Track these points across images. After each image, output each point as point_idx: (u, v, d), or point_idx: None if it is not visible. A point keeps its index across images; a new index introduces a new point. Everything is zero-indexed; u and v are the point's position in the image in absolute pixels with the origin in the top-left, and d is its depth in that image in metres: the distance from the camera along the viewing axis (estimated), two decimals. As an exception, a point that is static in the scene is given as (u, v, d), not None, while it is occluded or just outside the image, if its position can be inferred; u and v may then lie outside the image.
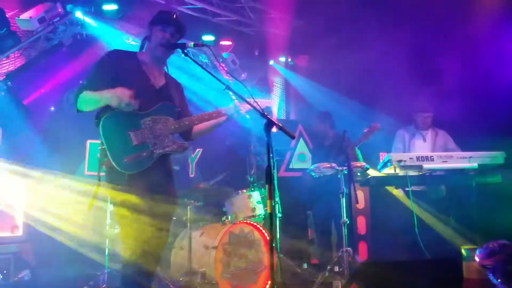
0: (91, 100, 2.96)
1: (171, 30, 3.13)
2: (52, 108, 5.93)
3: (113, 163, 2.89)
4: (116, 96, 2.87)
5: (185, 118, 3.15)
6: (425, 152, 5.19)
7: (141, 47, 3.25)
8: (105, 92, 2.92)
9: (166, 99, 3.14)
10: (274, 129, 2.73)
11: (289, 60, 8.35)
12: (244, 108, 3.20)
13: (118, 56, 3.13)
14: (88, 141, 6.02)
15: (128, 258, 2.93)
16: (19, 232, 4.63)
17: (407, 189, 4.90)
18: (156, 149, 3.01)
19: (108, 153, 2.91)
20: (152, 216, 3.00)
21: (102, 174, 3.01)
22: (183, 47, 3.08)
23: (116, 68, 3.04)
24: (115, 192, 2.95)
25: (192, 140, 3.39)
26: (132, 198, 2.94)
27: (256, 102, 3.17)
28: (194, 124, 3.17)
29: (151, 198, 2.99)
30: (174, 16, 3.17)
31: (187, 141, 3.29)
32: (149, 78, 3.12)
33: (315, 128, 5.90)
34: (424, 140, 5.56)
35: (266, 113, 2.77)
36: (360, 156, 5.18)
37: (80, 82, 3.14)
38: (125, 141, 2.94)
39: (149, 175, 2.99)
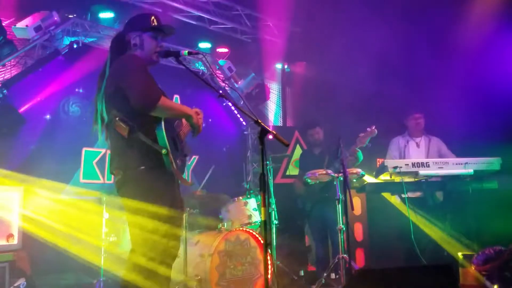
0: (172, 109, 3.01)
1: (162, 36, 3.13)
2: (48, 116, 5.92)
3: (173, 164, 2.90)
4: (195, 115, 3.02)
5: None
6: (420, 158, 5.19)
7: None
8: (186, 109, 3.04)
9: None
10: (270, 137, 2.74)
11: (286, 67, 8.38)
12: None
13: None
14: (84, 149, 6.01)
15: (137, 268, 2.83)
16: (15, 241, 4.60)
17: (403, 195, 4.90)
18: (186, 152, 3.17)
19: (171, 156, 2.89)
20: (171, 226, 2.98)
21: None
22: (177, 55, 3.10)
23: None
24: (134, 202, 2.89)
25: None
26: (157, 209, 2.89)
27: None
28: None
29: (176, 208, 3.02)
30: (160, 20, 3.14)
31: None
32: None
33: (308, 137, 5.92)
34: (418, 146, 5.56)
35: (260, 121, 2.77)
36: (360, 157, 5.20)
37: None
38: (174, 146, 3.03)
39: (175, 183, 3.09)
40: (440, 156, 5.42)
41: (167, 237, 2.87)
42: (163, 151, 2.86)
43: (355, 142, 5.05)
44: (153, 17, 3.12)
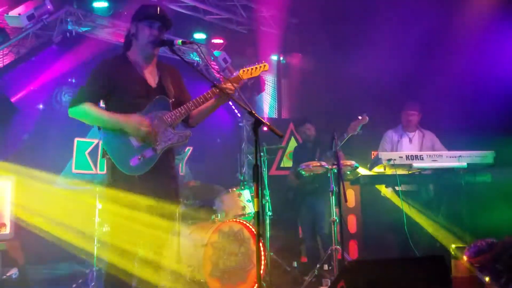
0: (95, 118, 2.99)
1: (158, 25, 3.10)
2: (41, 106, 5.89)
3: (120, 169, 2.94)
4: (132, 126, 2.96)
5: (181, 107, 3.13)
6: (413, 151, 5.19)
7: (128, 45, 3.18)
8: (115, 118, 2.97)
9: (162, 94, 3.13)
10: (264, 128, 2.73)
11: (281, 58, 8.35)
12: (231, 85, 3.18)
13: (111, 66, 3.08)
14: (76, 139, 5.98)
15: (114, 260, 2.92)
16: (7, 230, 4.57)
17: (397, 188, 4.91)
18: (158, 145, 3.03)
19: (114, 161, 2.95)
20: (155, 218, 3.05)
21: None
22: (171, 44, 3.08)
23: (110, 78, 3.02)
24: (116, 194, 2.96)
25: (194, 128, 3.35)
26: (137, 200, 2.96)
27: (250, 70, 3.28)
28: (190, 110, 3.14)
29: (156, 201, 3.02)
30: (159, 10, 3.12)
31: (189, 128, 3.30)
32: (145, 79, 3.12)
33: (305, 131, 5.90)
34: (411, 141, 5.55)
35: (254, 112, 2.76)
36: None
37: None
38: (127, 145, 2.98)
39: (157, 175, 3.04)
40: (433, 151, 5.41)
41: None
42: (106, 158, 2.99)
43: (346, 130, 5.05)
44: (150, 8, 3.14)
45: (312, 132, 5.79)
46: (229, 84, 3.15)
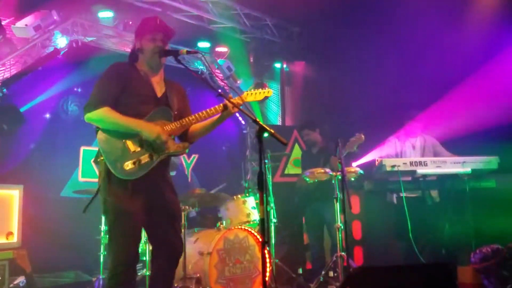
0: (113, 122, 2.99)
1: (161, 37, 3.15)
2: (47, 115, 5.95)
3: (113, 171, 2.92)
4: (149, 132, 2.97)
5: (182, 119, 3.14)
6: (417, 157, 5.20)
7: (134, 59, 3.21)
8: (134, 122, 2.98)
9: (166, 105, 3.16)
10: (265, 135, 2.76)
11: (285, 66, 8.40)
12: (236, 103, 3.19)
13: (122, 68, 3.13)
14: (82, 148, 6.03)
15: (117, 270, 2.93)
16: (14, 239, 4.62)
17: (401, 194, 4.92)
18: (155, 153, 3.02)
19: (106, 161, 2.93)
20: (151, 225, 3.08)
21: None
22: (176, 54, 3.13)
23: (123, 80, 3.06)
24: (111, 202, 2.97)
25: (191, 144, 3.32)
26: (130, 207, 2.96)
27: (254, 93, 3.30)
28: (191, 123, 3.15)
29: (151, 207, 3.04)
30: (159, 21, 3.17)
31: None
32: (153, 87, 3.16)
33: (303, 136, 5.89)
34: (414, 147, 5.55)
35: (258, 120, 2.80)
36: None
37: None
38: (123, 149, 2.97)
39: (150, 183, 3.03)
40: (435, 153, 5.41)
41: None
42: (99, 159, 3.00)
43: (344, 146, 5.04)
44: (152, 21, 3.19)
45: (312, 138, 5.73)
46: (236, 102, 3.16)
